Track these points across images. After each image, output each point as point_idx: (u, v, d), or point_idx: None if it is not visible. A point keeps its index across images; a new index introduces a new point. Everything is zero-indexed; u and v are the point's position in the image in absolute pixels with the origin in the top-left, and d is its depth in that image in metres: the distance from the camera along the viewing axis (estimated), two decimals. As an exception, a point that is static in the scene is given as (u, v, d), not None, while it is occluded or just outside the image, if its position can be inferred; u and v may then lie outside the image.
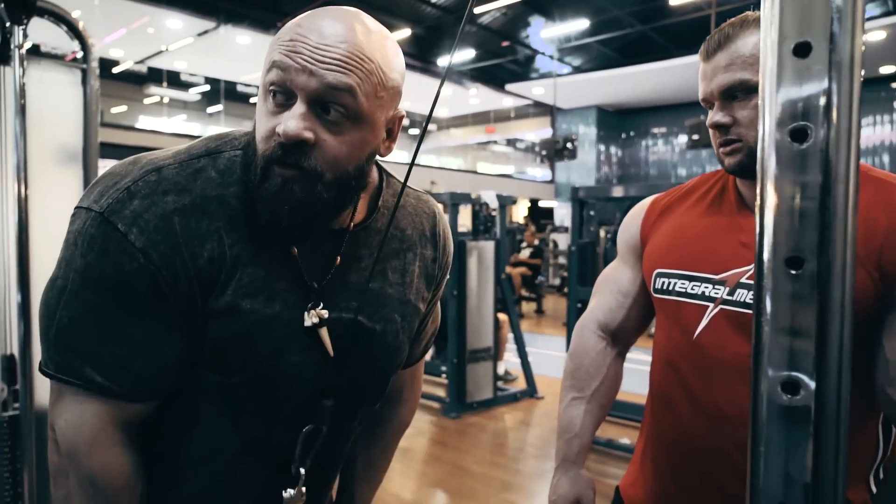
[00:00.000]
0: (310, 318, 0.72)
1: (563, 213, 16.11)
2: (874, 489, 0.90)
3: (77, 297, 0.66)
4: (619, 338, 1.14)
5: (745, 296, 0.89)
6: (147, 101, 13.00)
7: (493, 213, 5.04)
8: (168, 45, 11.46)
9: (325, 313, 0.74)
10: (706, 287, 0.94)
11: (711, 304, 0.93)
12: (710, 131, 0.95)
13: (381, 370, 0.84)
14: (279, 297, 0.71)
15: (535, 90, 15.72)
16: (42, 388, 1.62)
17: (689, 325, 0.95)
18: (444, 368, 4.84)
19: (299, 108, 0.64)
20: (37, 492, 1.63)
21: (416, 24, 12.08)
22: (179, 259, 0.66)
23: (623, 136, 17.47)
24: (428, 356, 5.09)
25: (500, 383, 4.88)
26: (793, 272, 0.35)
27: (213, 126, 13.21)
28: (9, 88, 1.63)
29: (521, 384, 4.96)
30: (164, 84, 12.66)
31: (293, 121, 0.64)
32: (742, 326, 0.89)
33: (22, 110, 1.58)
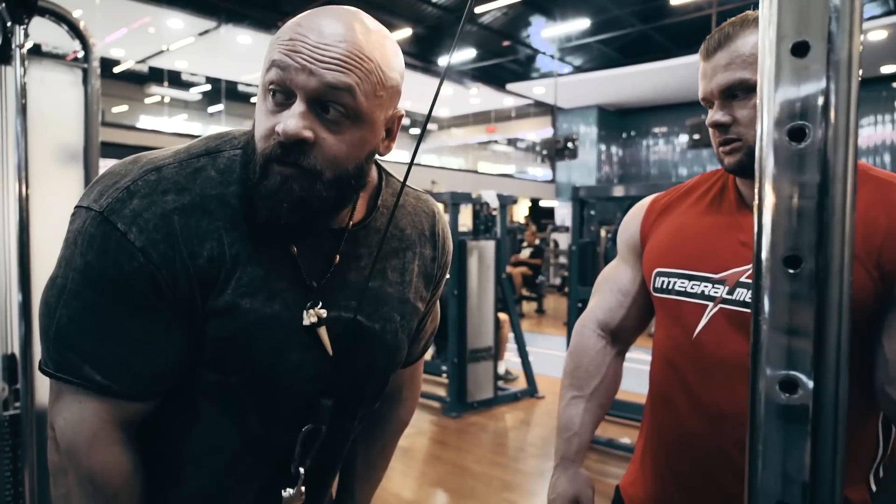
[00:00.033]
0: (309, 318, 0.73)
1: (563, 213, 16.10)
2: (874, 488, 0.90)
3: (77, 296, 0.66)
4: (619, 337, 1.14)
5: (744, 295, 0.89)
6: (148, 100, 13.02)
7: (494, 213, 5.04)
8: (169, 44, 11.47)
9: (325, 312, 0.74)
10: (706, 286, 0.94)
11: (711, 304, 0.93)
12: (710, 130, 0.95)
13: (381, 369, 0.84)
14: (278, 297, 0.71)
15: (536, 90, 15.71)
16: (43, 387, 1.63)
17: (688, 325, 0.95)
18: (444, 368, 4.84)
19: (299, 107, 0.64)
20: (37, 491, 1.63)
21: (417, 23, 12.08)
22: (179, 258, 0.66)
23: (624, 135, 17.46)
24: (428, 355, 5.10)
25: (500, 383, 4.88)
26: (791, 271, 0.35)
27: (214, 125, 13.22)
28: (10, 88, 1.64)
29: (521, 384, 4.96)
30: (165, 84, 12.67)
31: (292, 120, 0.64)
32: (742, 325, 0.89)
33: (23, 110, 1.58)
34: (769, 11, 0.35)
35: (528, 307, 9.88)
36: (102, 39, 10.41)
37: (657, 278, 1.01)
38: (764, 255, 0.36)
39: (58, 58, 1.97)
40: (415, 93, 11.42)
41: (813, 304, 0.35)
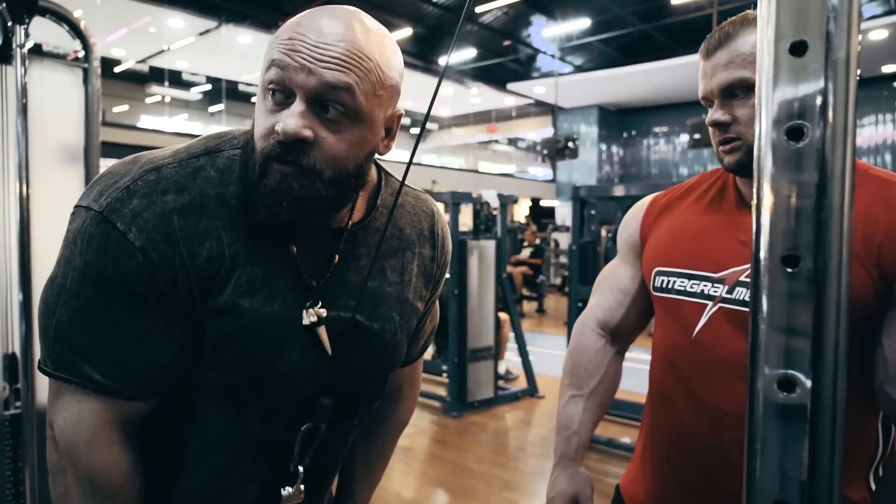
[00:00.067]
0: (308, 317, 0.73)
1: (564, 213, 16.10)
2: (874, 487, 0.90)
3: (76, 295, 0.66)
4: (619, 336, 1.14)
5: (744, 294, 0.89)
6: (149, 100, 13.02)
7: (495, 213, 5.04)
8: (169, 44, 11.48)
9: (324, 312, 0.74)
10: (705, 285, 0.94)
11: (710, 303, 0.93)
12: (710, 129, 0.95)
13: (380, 368, 0.84)
14: (278, 296, 0.71)
15: (537, 89, 15.71)
16: (44, 386, 1.63)
17: (688, 324, 0.95)
18: (444, 367, 4.84)
19: (298, 106, 0.64)
20: (38, 490, 1.64)
21: (417, 23, 12.09)
22: (178, 258, 0.67)
23: (624, 135, 17.46)
24: (429, 355, 5.10)
25: (501, 382, 4.88)
26: (789, 270, 0.35)
27: (215, 125, 13.22)
28: (10, 88, 1.64)
29: (521, 383, 4.96)
30: (166, 83, 12.68)
31: (292, 119, 0.64)
32: (741, 324, 0.89)
33: (24, 109, 1.58)
34: (767, 11, 0.35)
35: (529, 307, 9.88)
36: (103, 39, 10.42)
37: (657, 277, 1.01)
38: (762, 254, 0.36)
39: (58, 57, 1.97)
40: (415, 92, 11.43)
41: (811, 303, 0.35)
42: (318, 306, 0.74)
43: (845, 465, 0.87)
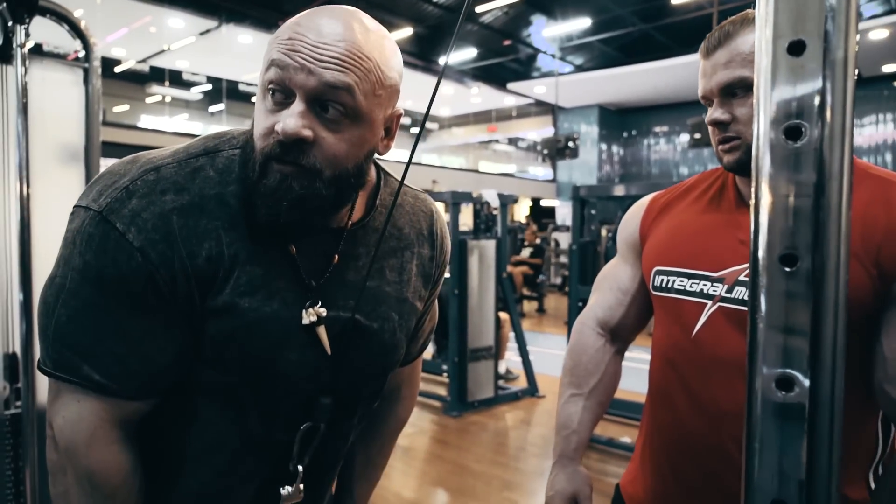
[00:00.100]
0: (308, 317, 0.73)
1: (564, 212, 16.09)
2: (873, 486, 0.90)
3: (75, 295, 0.66)
4: (619, 335, 1.14)
5: (743, 293, 0.89)
6: (149, 100, 13.02)
7: (495, 212, 5.04)
8: (170, 44, 11.48)
9: (324, 311, 0.74)
10: (705, 284, 0.94)
11: (710, 302, 0.93)
12: (709, 128, 0.95)
13: (379, 368, 0.84)
14: (277, 296, 0.71)
15: (537, 89, 15.71)
16: (44, 386, 1.63)
17: (687, 323, 0.95)
18: (445, 367, 4.84)
19: (298, 106, 0.65)
20: (38, 490, 1.64)
21: (418, 22, 12.09)
22: (177, 258, 0.67)
23: (625, 134, 17.45)
24: (429, 355, 5.10)
25: (501, 382, 4.88)
26: (787, 269, 0.35)
27: (215, 125, 13.22)
28: (11, 87, 1.64)
29: (522, 383, 4.96)
30: (166, 83, 12.68)
31: (292, 119, 0.64)
32: (740, 323, 0.89)
33: (24, 109, 1.58)
34: (765, 10, 0.35)
35: (529, 306, 9.88)
36: (103, 39, 10.42)
37: (656, 277, 1.01)
38: (760, 253, 0.36)
39: (59, 57, 1.97)
40: (415, 92, 11.44)
41: (809, 302, 0.35)
42: (318, 306, 0.74)
43: (845, 464, 0.87)
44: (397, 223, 0.85)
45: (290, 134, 0.64)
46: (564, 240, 11.60)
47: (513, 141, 19.05)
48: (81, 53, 1.86)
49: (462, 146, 18.92)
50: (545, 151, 11.08)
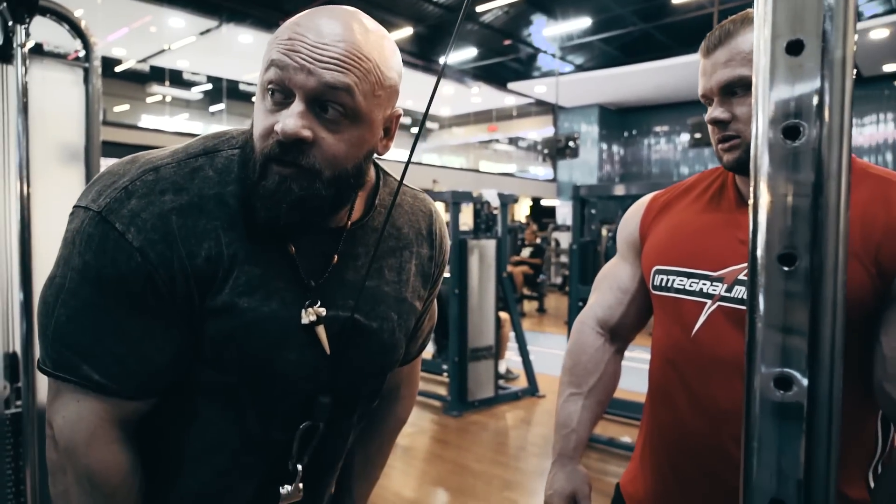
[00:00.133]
0: (307, 316, 0.73)
1: (565, 212, 16.09)
2: (873, 485, 0.90)
3: (75, 295, 0.66)
4: (618, 334, 1.14)
5: (742, 292, 0.89)
6: (149, 99, 13.03)
7: (495, 212, 5.04)
8: (170, 43, 11.48)
9: (323, 311, 0.74)
10: (704, 284, 0.94)
11: (709, 301, 0.93)
12: (709, 127, 0.95)
13: (378, 367, 0.84)
14: (276, 295, 0.72)
15: (538, 89, 15.70)
16: (45, 385, 1.63)
17: (687, 322, 0.95)
18: (445, 367, 4.84)
19: (297, 106, 0.65)
20: (39, 489, 1.64)
21: (418, 22, 12.08)
22: (177, 258, 0.67)
23: (625, 134, 17.45)
24: (429, 354, 5.10)
25: (501, 382, 4.88)
26: (785, 269, 0.35)
27: (216, 125, 13.23)
28: (11, 87, 1.64)
29: (522, 383, 4.96)
30: (167, 83, 12.68)
31: (291, 119, 0.64)
32: (740, 323, 0.89)
33: (24, 109, 1.59)
34: (764, 10, 0.35)
35: (530, 306, 9.88)
36: (104, 38, 10.42)
37: (656, 276, 1.02)
38: (759, 252, 0.36)
39: (59, 57, 1.97)
40: (415, 92, 11.44)
41: (807, 301, 0.35)
42: (317, 305, 0.74)
43: (844, 463, 0.87)
44: (396, 223, 0.85)
45: (289, 134, 0.64)
46: (565, 239, 11.59)
47: (513, 140, 19.04)
48: (82, 53, 1.86)
49: (462, 146, 18.92)
50: (545, 151, 11.08)
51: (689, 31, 11.67)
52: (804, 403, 0.35)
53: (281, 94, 0.66)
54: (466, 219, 5.73)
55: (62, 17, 1.77)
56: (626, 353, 1.18)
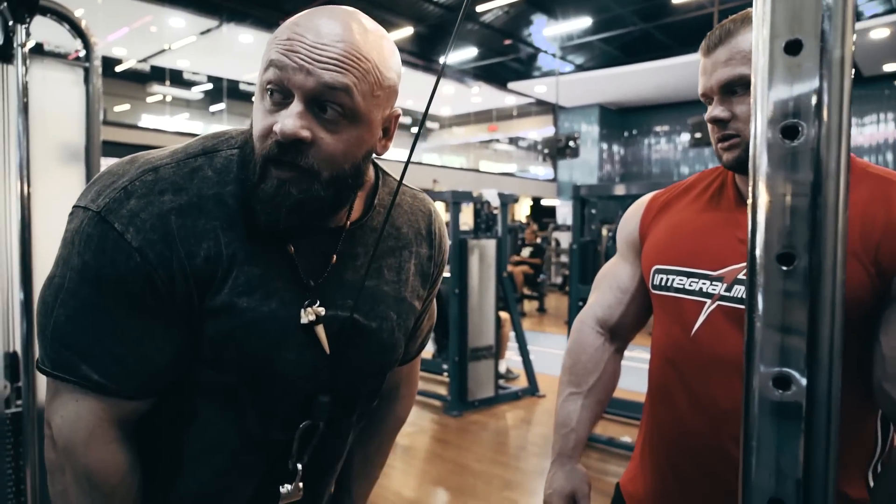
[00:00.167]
0: (306, 316, 0.73)
1: (565, 212, 16.09)
2: (872, 484, 0.90)
3: (74, 295, 0.66)
4: (618, 334, 1.14)
5: (742, 292, 0.89)
6: (150, 99, 13.04)
7: (495, 212, 5.04)
8: (171, 43, 11.48)
9: (322, 311, 0.74)
10: (704, 283, 0.94)
11: (709, 301, 0.93)
12: (709, 126, 0.95)
13: (377, 367, 0.84)
14: (276, 295, 0.72)
15: (538, 88, 15.70)
16: (45, 385, 1.63)
17: (687, 322, 0.95)
18: (445, 366, 4.84)
19: (296, 106, 0.65)
20: (39, 488, 1.64)
21: (419, 22, 12.08)
22: (176, 258, 0.67)
23: (625, 134, 17.44)
24: (429, 354, 5.10)
25: (501, 381, 4.88)
26: (784, 268, 0.35)
27: (216, 124, 13.23)
28: (12, 87, 1.64)
29: (522, 382, 4.96)
30: (167, 82, 12.69)
31: (290, 119, 0.64)
32: (740, 322, 0.89)
33: (25, 109, 1.59)
34: (762, 10, 0.35)
35: (530, 306, 9.88)
36: (104, 38, 10.43)
37: (656, 275, 1.02)
38: (758, 252, 0.36)
39: (59, 57, 1.97)
40: (416, 91, 11.44)
41: (806, 301, 0.35)
42: (316, 305, 0.74)
43: (844, 462, 0.87)
44: (395, 223, 0.85)
45: (288, 135, 0.64)
46: (565, 239, 11.59)
47: (513, 140, 19.04)
48: (82, 53, 1.86)
49: (463, 145, 18.92)
50: (546, 151, 11.08)
51: (689, 30, 11.67)
52: (803, 403, 0.35)
53: (280, 94, 0.66)
54: (467, 218, 5.73)
55: (62, 17, 1.77)
56: (626, 353, 1.18)
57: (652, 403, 1.05)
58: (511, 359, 5.38)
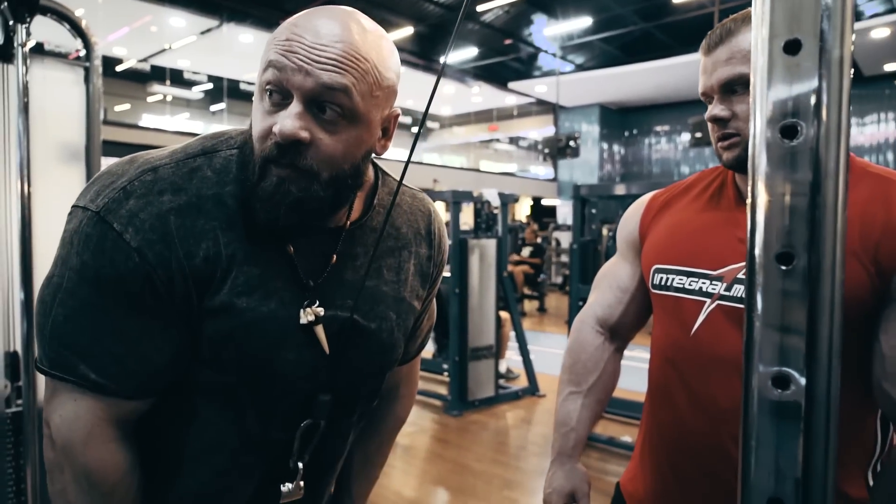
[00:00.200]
0: (306, 316, 0.73)
1: (565, 212, 16.09)
2: (872, 484, 0.90)
3: (72, 295, 0.66)
4: (618, 333, 1.14)
5: (742, 291, 0.89)
6: (150, 99, 13.04)
7: (496, 211, 5.04)
8: (171, 43, 11.49)
9: (321, 311, 0.74)
10: (704, 283, 0.94)
11: (709, 300, 0.93)
12: (709, 125, 0.95)
13: (377, 367, 0.84)
14: (275, 295, 0.72)
15: (538, 88, 15.70)
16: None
17: (686, 321, 0.95)
18: (445, 366, 4.84)
19: (295, 107, 0.65)
20: (39, 487, 1.64)
21: (419, 21, 12.08)
22: (175, 258, 0.67)
23: (626, 133, 17.44)
24: (429, 354, 5.10)
25: (501, 381, 4.88)
26: (783, 268, 0.35)
27: (216, 124, 13.23)
28: (12, 86, 1.64)
29: (522, 382, 4.96)
30: (168, 82, 12.69)
31: (289, 120, 0.64)
32: (739, 322, 0.89)
33: (25, 108, 1.59)
34: (762, 9, 0.36)
35: (530, 306, 9.88)
36: (104, 38, 10.43)
37: (656, 275, 1.02)
38: (757, 251, 0.36)
39: (60, 56, 1.97)
40: (416, 91, 11.44)
41: (805, 300, 0.35)
42: (316, 305, 0.74)
43: (843, 462, 0.87)
44: (395, 223, 0.85)
45: (287, 135, 0.64)
46: (565, 239, 11.59)
47: (514, 140, 19.04)
48: (82, 52, 1.86)
49: (463, 145, 18.92)
50: (546, 150, 11.10)
51: (689, 30, 11.66)
52: (802, 402, 0.35)
53: (279, 94, 0.66)
54: (467, 218, 5.73)
55: (63, 17, 1.77)
56: (626, 353, 1.18)
57: (652, 403, 1.05)
58: (511, 358, 5.38)
